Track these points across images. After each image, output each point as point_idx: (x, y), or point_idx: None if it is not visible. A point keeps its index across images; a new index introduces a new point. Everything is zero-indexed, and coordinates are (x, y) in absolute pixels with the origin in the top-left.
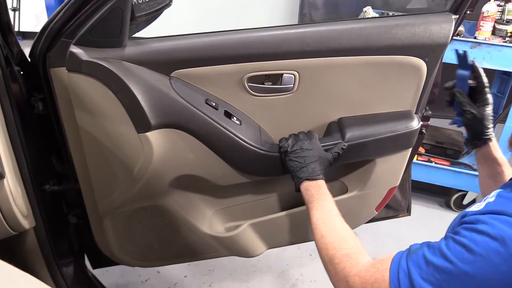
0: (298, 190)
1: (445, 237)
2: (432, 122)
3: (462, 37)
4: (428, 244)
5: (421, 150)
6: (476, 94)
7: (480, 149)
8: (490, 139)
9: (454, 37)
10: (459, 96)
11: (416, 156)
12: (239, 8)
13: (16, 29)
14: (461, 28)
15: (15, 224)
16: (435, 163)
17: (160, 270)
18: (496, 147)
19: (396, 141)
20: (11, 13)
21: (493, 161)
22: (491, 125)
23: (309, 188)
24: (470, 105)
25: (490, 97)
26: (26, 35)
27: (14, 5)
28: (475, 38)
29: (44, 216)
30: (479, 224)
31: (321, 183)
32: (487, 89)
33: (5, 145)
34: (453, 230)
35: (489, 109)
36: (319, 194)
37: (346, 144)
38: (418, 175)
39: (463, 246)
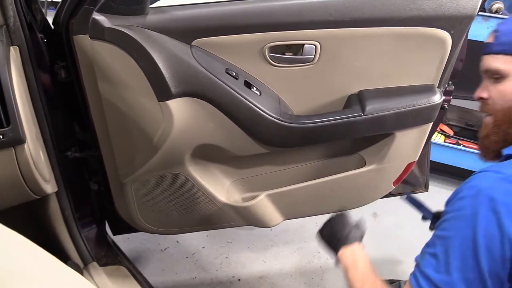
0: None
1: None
2: (462, 103)
3: (501, 14)
4: (426, 244)
5: (449, 132)
6: None
7: None
8: None
9: (493, 15)
10: None
11: (444, 138)
12: None
13: None
14: (500, 4)
15: (37, 188)
16: (464, 146)
17: (179, 240)
18: None
19: (417, 115)
20: None
21: None
22: None
23: (346, 252)
24: None
25: None
26: (57, 5)
27: None
28: None
29: (66, 182)
30: (460, 192)
31: (356, 247)
32: None
33: (28, 111)
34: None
35: None
36: (354, 256)
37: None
38: (445, 158)
39: (455, 218)
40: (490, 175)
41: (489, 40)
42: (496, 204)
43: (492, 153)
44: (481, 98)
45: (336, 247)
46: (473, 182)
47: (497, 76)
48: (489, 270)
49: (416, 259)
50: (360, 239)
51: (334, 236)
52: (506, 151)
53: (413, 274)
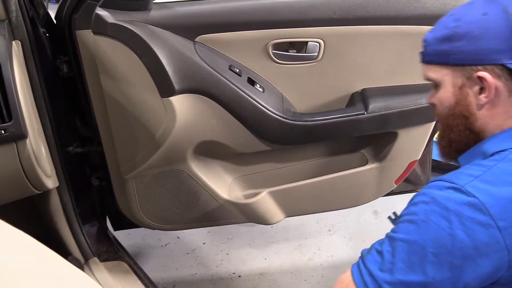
0: None
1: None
2: None
3: None
4: (377, 241)
5: None
6: None
7: None
8: None
9: None
10: None
11: None
12: None
13: None
14: None
15: (38, 183)
16: None
17: (179, 236)
18: None
19: (420, 114)
20: None
21: None
22: None
23: None
24: None
25: None
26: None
27: None
28: None
29: (67, 177)
30: (415, 197)
31: None
32: None
33: (30, 106)
34: None
35: None
36: None
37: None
38: None
39: (406, 222)
40: (445, 184)
41: (421, 49)
42: (448, 213)
43: (447, 156)
44: (431, 104)
45: None
46: (429, 190)
47: (434, 84)
48: (433, 277)
49: (362, 252)
50: None
51: None
52: (460, 159)
53: (357, 266)
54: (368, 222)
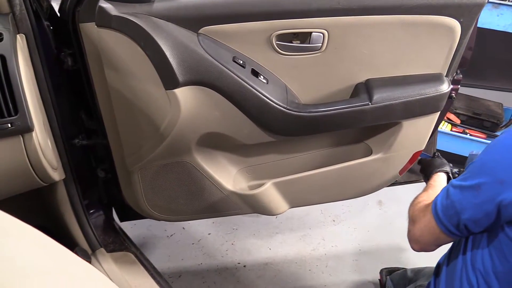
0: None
1: None
2: (470, 91)
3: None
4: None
5: (456, 120)
6: None
7: None
8: None
9: (503, 2)
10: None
11: (450, 126)
12: None
13: None
14: None
15: (45, 175)
16: (470, 135)
17: (185, 227)
18: None
19: (425, 104)
20: None
21: None
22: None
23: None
24: None
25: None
26: None
27: None
28: None
29: (74, 169)
30: None
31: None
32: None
33: (35, 99)
34: None
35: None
36: (435, 181)
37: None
38: (451, 146)
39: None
40: None
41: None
42: None
43: None
44: None
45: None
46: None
47: None
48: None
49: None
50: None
51: (431, 164)
52: None
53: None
54: (373, 212)
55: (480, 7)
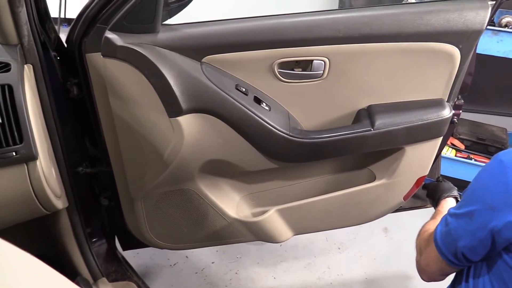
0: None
1: None
2: (474, 117)
3: (511, 28)
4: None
5: (460, 146)
6: None
7: None
8: None
9: (502, 29)
10: None
11: (455, 152)
12: None
13: (62, 16)
14: (510, 18)
15: (48, 204)
16: (475, 160)
17: (188, 255)
18: None
19: (427, 129)
20: (57, 0)
21: None
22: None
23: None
24: None
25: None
26: (71, 22)
27: None
28: None
29: (77, 197)
30: None
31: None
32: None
33: (40, 128)
34: None
35: None
36: (442, 207)
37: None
38: (456, 172)
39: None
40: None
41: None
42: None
43: None
44: None
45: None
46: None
47: None
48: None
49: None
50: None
51: (438, 188)
52: None
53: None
54: (378, 239)
55: (478, 33)
